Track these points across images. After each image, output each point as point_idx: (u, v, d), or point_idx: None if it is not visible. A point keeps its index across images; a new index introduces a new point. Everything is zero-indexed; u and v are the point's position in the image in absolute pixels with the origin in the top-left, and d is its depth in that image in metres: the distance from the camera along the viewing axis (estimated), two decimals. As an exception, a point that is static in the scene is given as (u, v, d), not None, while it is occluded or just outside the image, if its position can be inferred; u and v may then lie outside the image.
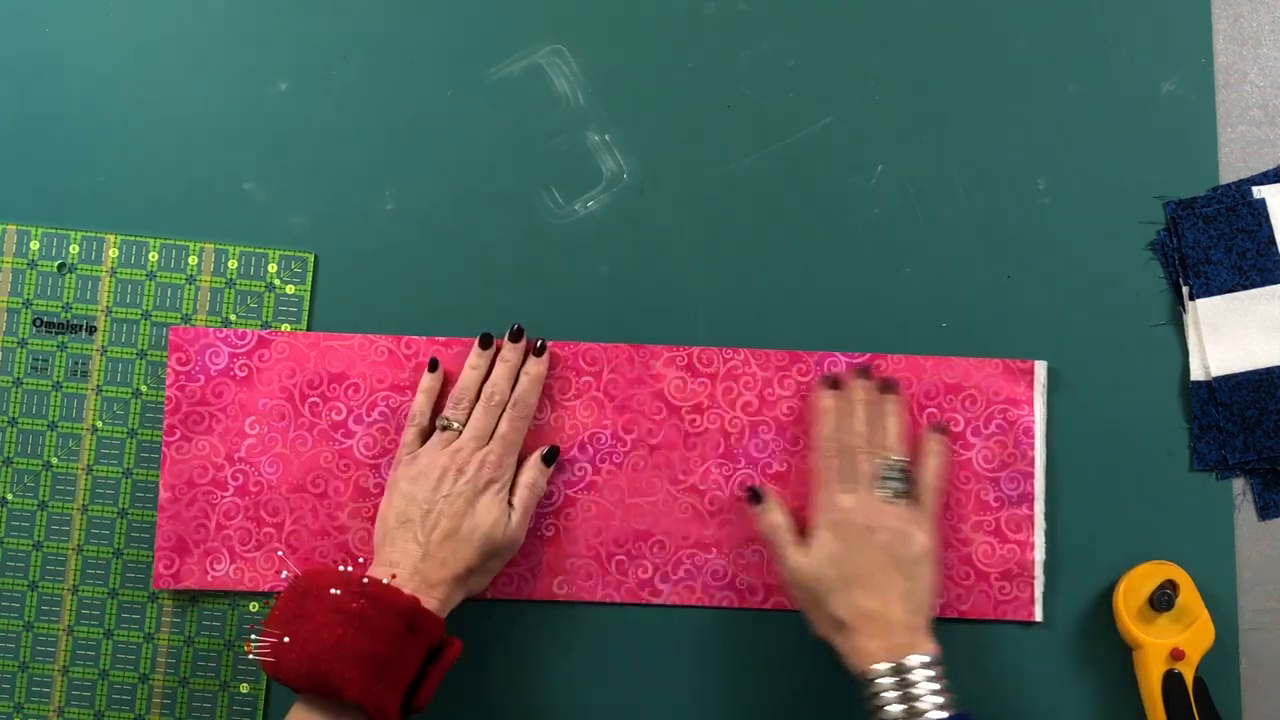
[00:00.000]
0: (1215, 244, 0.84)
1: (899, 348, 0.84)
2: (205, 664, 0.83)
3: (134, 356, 0.84)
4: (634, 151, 0.85)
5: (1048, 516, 0.83)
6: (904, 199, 0.85)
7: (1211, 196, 0.85)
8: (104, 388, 0.84)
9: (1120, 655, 0.82)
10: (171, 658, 0.83)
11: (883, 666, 0.73)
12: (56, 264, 0.84)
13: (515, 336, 0.82)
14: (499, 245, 0.85)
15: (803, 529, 0.80)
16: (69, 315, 0.84)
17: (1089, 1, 0.86)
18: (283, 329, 0.84)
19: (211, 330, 0.83)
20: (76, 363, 0.84)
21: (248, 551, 0.83)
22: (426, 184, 0.85)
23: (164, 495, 0.83)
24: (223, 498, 0.83)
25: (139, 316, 0.84)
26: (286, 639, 0.72)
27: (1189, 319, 0.84)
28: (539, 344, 0.82)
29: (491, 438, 0.80)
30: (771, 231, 0.85)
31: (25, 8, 0.86)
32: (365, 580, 0.73)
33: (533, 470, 0.81)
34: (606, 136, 0.85)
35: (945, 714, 0.72)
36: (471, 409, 0.81)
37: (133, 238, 0.84)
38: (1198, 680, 0.80)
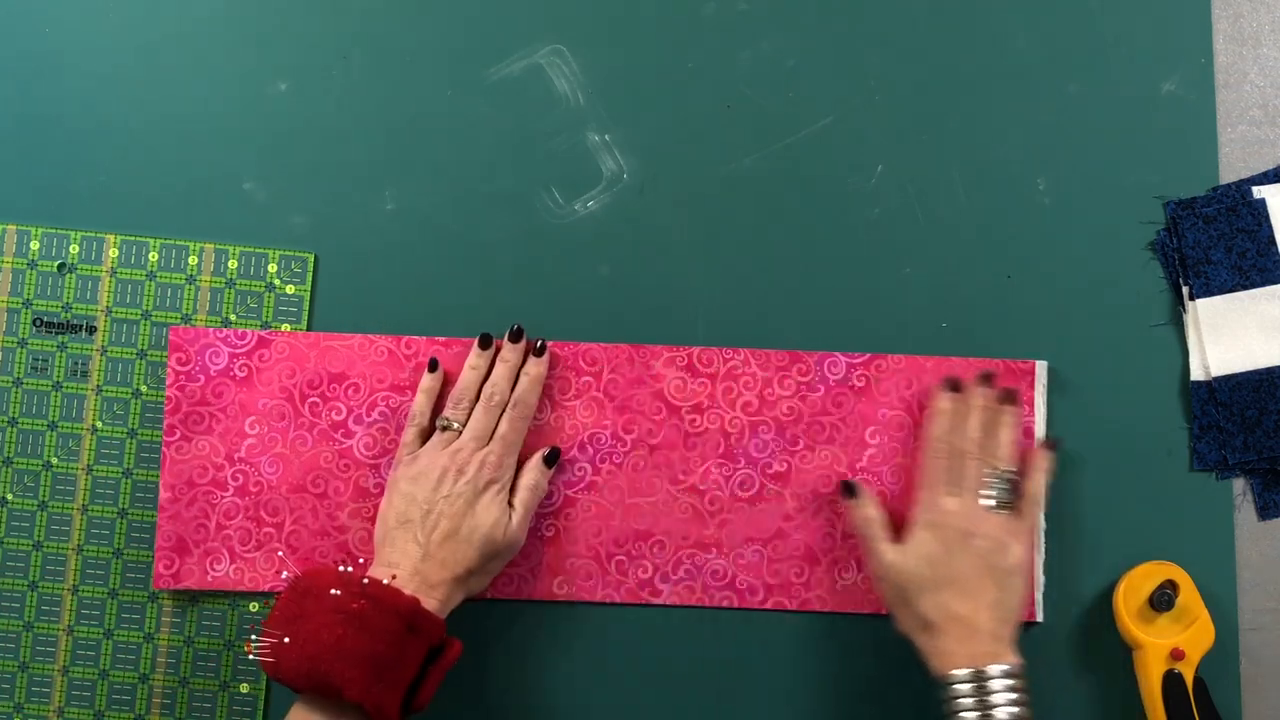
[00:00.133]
0: (1215, 244, 0.84)
1: (899, 348, 0.84)
2: (205, 664, 0.83)
3: (134, 356, 0.84)
4: (634, 151, 0.85)
5: (1048, 516, 0.83)
6: (904, 199, 0.85)
7: (1211, 196, 0.85)
8: (104, 388, 0.84)
9: (1120, 655, 0.82)
10: (171, 658, 0.83)
11: (963, 672, 0.74)
12: (56, 264, 0.84)
13: (515, 337, 0.82)
14: (499, 245, 0.85)
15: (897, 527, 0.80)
16: (69, 315, 0.84)
17: (1089, 1, 0.86)
18: (283, 329, 0.84)
19: (211, 330, 0.83)
20: (76, 363, 0.84)
21: (248, 551, 0.83)
22: (426, 184, 0.85)
23: (164, 495, 0.83)
24: (223, 498, 0.83)
25: (139, 316, 0.84)
26: (286, 639, 0.72)
27: (1189, 319, 0.84)
28: (539, 344, 0.82)
29: (491, 438, 0.80)
30: (771, 231, 0.85)
31: (25, 8, 0.86)
32: (365, 580, 0.73)
33: (534, 472, 0.81)
34: (606, 136, 0.85)
35: None
36: (471, 409, 0.81)
37: (133, 238, 0.84)
38: (1198, 680, 0.79)
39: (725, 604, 0.83)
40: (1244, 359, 0.83)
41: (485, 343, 0.82)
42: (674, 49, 0.86)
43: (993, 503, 0.78)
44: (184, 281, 0.84)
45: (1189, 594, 0.80)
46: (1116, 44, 0.86)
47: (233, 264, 0.84)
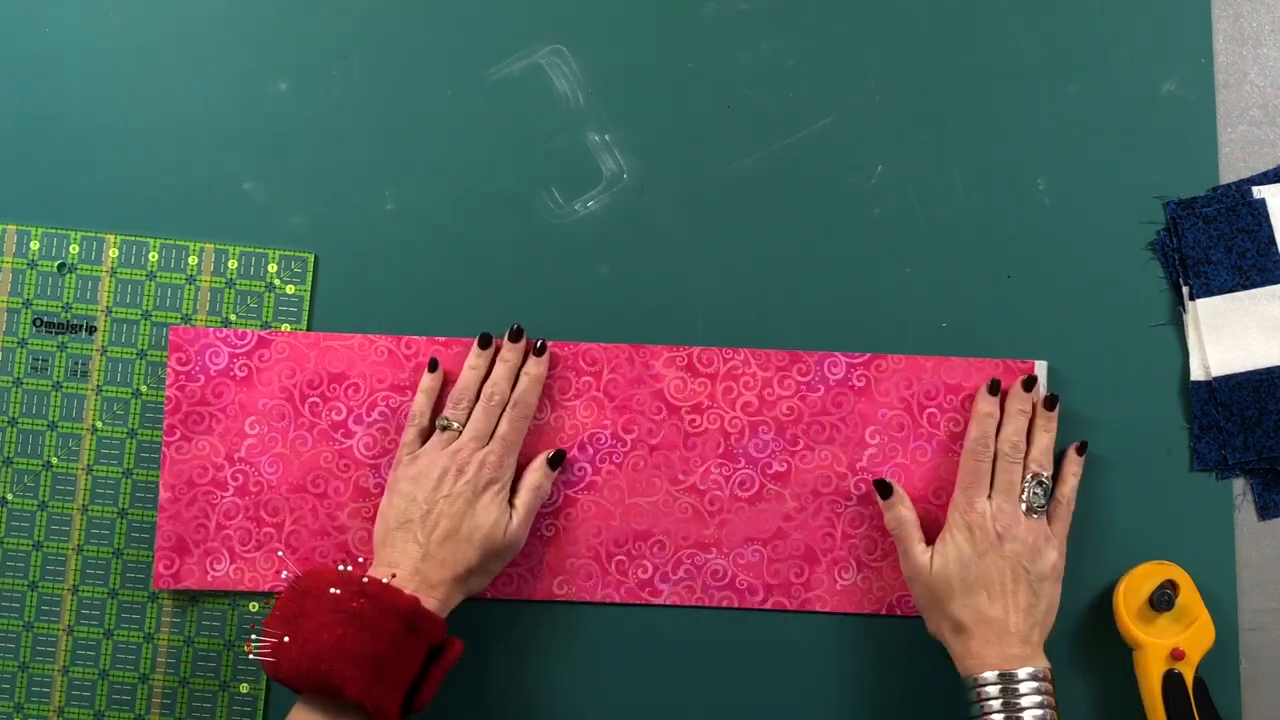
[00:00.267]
0: (1215, 244, 0.84)
1: (899, 348, 0.84)
2: (205, 664, 0.83)
3: (134, 356, 0.84)
4: (634, 151, 0.85)
5: (1048, 516, 0.83)
6: (904, 199, 0.85)
7: (1211, 196, 0.85)
8: (104, 388, 0.84)
9: (1120, 655, 0.82)
10: (171, 658, 0.83)
11: (991, 674, 0.75)
12: (56, 264, 0.84)
13: (515, 336, 0.82)
14: (499, 245, 0.85)
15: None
16: (69, 315, 0.84)
17: (1089, 1, 0.86)
18: (283, 329, 0.84)
19: (211, 330, 0.83)
20: (76, 363, 0.84)
21: (248, 551, 0.83)
22: (426, 184, 0.85)
23: (164, 495, 0.83)
24: (223, 498, 0.83)
25: (139, 316, 0.84)
26: (286, 638, 0.72)
27: (1189, 319, 0.84)
28: (539, 344, 0.82)
29: (491, 438, 0.80)
30: (771, 231, 0.85)
31: (25, 8, 0.86)
32: (365, 580, 0.73)
33: (538, 473, 0.81)
34: (606, 136, 0.85)
35: None
36: (471, 409, 0.81)
37: (133, 238, 0.84)
38: (1198, 680, 0.79)
39: (725, 604, 0.83)
40: (1244, 359, 0.83)
41: (485, 342, 0.82)
42: (674, 49, 0.86)
43: (1028, 507, 0.78)
44: (184, 281, 0.84)
45: (1189, 594, 0.80)
46: (1116, 44, 0.86)
47: (233, 264, 0.84)
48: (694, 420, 0.83)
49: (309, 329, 0.84)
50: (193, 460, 0.83)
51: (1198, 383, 0.84)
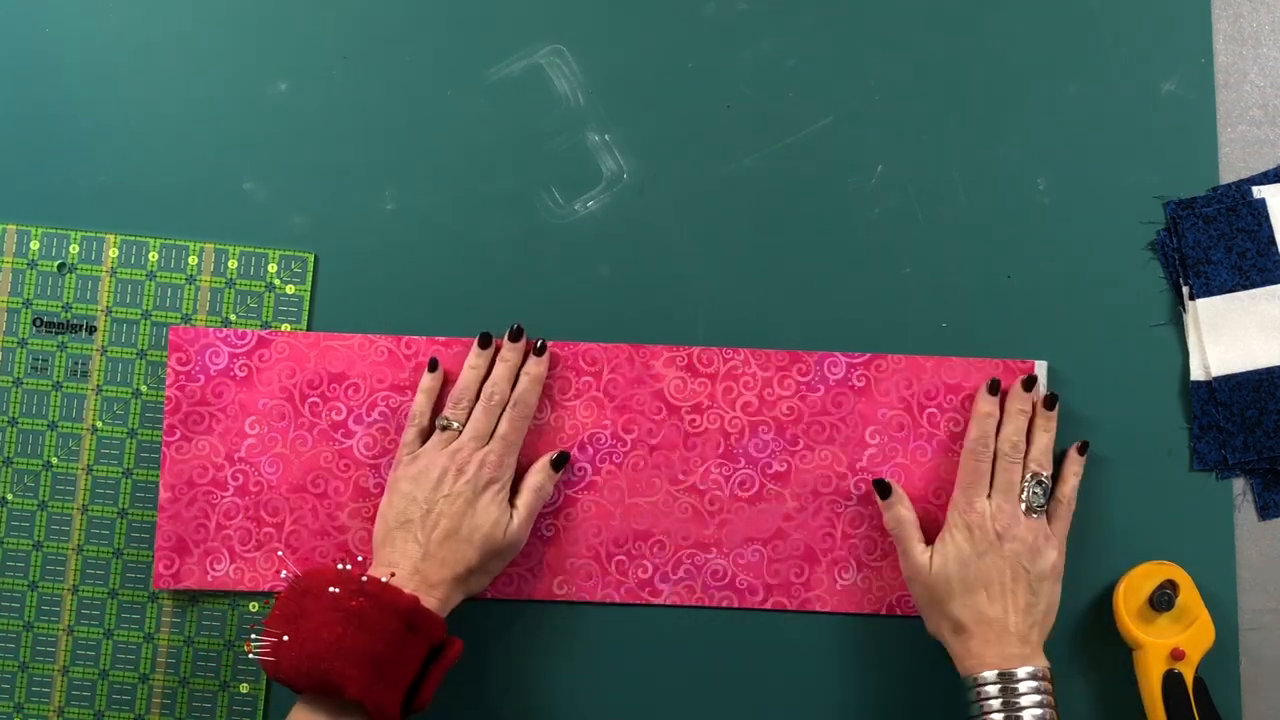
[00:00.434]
0: (1215, 244, 0.84)
1: (899, 348, 0.84)
2: (205, 664, 0.83)
3: (134, 356, 0.84)
4: (634, 151, 0.85)
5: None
6: (904, 199, 0.85)
7: (1211, 196, 0.85)
8: (104, 388, 0.84)
9: (1120, 655, 0.82)
10: (171, 658, 0.83)
11: (991, 674, 0.75)
12: (56, 264, 0.84)
13: (515, 336, 0.82)
14: (499, 245, 0.85)
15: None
16: (69, 315, 0.84)
17: (1089, 1, 0.86)
18: (283, 329, 0.84)
19: (211, 330, 0.83)
20: (76, 363, 0.84)
21: (248, 551, 0.83)
22: (426, 184, 0.85)
23: (164, 495, 0.83)
24: (223, 498, 0.83)
25: (139, 316, 0.84)
26: (285, 638, 0.72)
27: (1189, 319, 0.84)
28: (539, 344, 0.82)
29: (491, 437, 0.80)
30: (771, 231, 0.85)
31: (25, 7, 0.86)
32: (364, 579, 0.73)
33: (541, 474, 0.81)
34: (606, 136, 0.85)
35: None
36: (471, 409, 0.81)
37: (133, 238, 0.84)
38: (1198, 680, 0.79)
39: (725, 604, 0.83)
40: (1244, 359, 0.83)
41: (485, 342, 0.82)
42: (674, 49, 0.86)
43: (1028, 506, 0.78)
44: (184, 281, 0.84)
45: (1189, 594, 0.80)
46: (1116, 44, 0.86)
47: (233, 264, 0.84)
48: (694, 420, 0.83)
49: (309, 329, 0.84)
50: (193, 460, 0.83)
51: (1198, 383, 0.84)
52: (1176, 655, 0.79)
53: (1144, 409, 0.84)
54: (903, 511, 0.80)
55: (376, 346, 0.83)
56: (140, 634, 0.83)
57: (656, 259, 0.85)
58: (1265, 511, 0.83)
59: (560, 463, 0.82)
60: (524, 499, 0.80)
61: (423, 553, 0.77)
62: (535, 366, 0.82)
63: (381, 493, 0.82)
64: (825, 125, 0.85)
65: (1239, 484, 0.84)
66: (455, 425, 0.80)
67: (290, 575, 0.76)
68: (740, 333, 0.84)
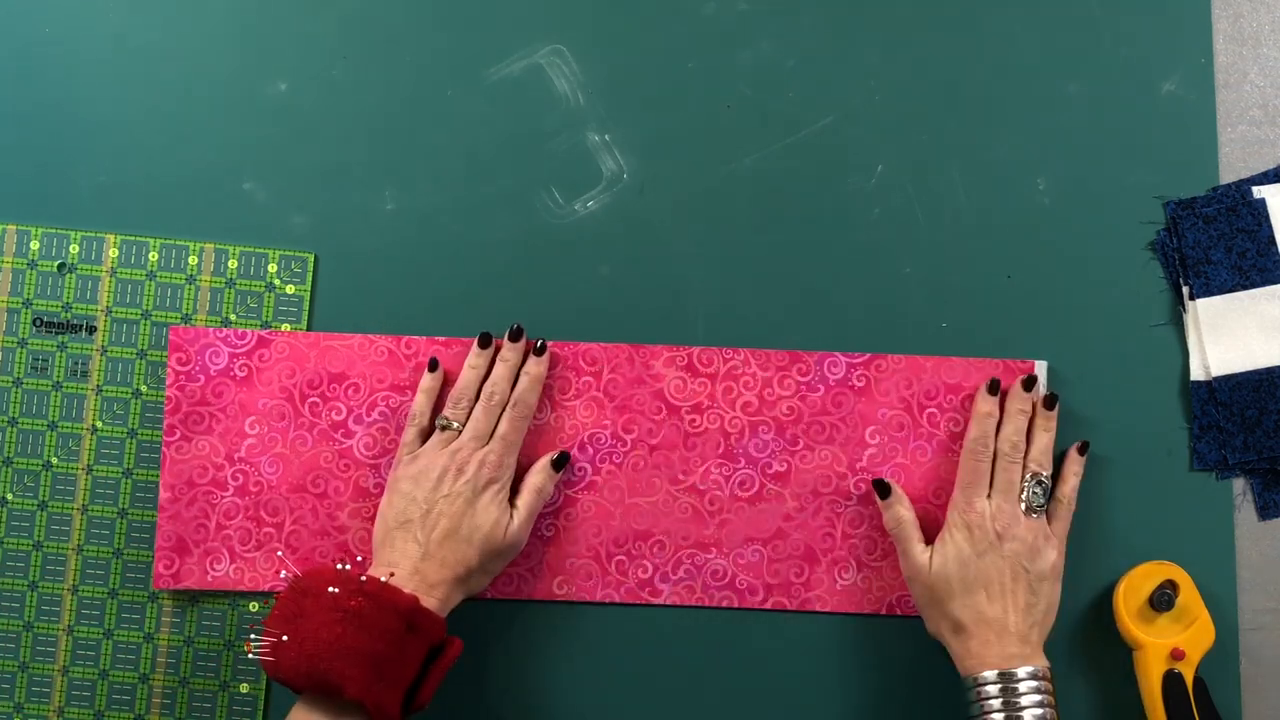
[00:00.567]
0: (1215, 244, 0.84)
1: (899, 348, 0.84)
2: (205, 664, 0.83)
3: (134, 356, 0.84)
4: (634, 151, 0.85)
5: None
6: (904, 199, 0.85)
7: (1211, 196, 0.85)
8: (104, 388, 0.84)
9: (1120, 655, 0.82)
10: (171, 658, 0.83)
11: (991, 674, 0.75)
12: (56, 264, 0.84)
13: (515, 336, 0.82)
14: (499, 245, 0.85)
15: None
16: (69, 315, 0.84)
17: (1089, 2, 0.86)
18: (283, 329, 0.84)
19: (211, 330, 0.83)
20: (76, 363, 0.84)
21: (248, 551, 0.83)
22: (426, 184, 0.85)
23: (164, 495, 0.83)
24: (223, 498, 0.83)
25: (139, 316, 0.84)
26: (285, 638, 0.72)
27: (1189, 319, 0.84)
28: (539, 344, 0.82)
29: (491, 437, 0.80)
30: (771, 231, 0.85)
31: (25, 7, 0.86)
32: (363, 579, 0.73)
33: (541, 475, 0.81)
34: (606, 136, 0.85)
35: None
36: (471, 409, 0.81)
37: (133, 238, 0.84)
38: (1198, 680, 0.79)
39: (725, 604, 0.83)
40: (1244, 359, 0.83)
41: (485, 342, 0.82)
42: (674, 49, 0.86)
43: (1027, 506, 0.78)
44: (184, 281, 0.84)
45: (1189, 594, 0.80)
46: (1116, 44, 0.86)
47: (233, 264, 0.84)
48: (694, 420, 0.83)
49: (309, 329, 0.84)
50: (193, 460, 0.83)
51: (1198, 383, 0.84)
52: (1176, 655, 0.79)
53: (1144, 409, 0.84)
54: (902, 511, 0.80)
55: (376, 346, 0.83)
56: (140, 634, 0.83)
57: (656, 259, 0.85)
58: (1265, 511, 0.83)
59: (560, 463, 0.82)
60: (524, 499, 0.80)
61: (422, 553, 0.77)
62: (535, 366, 0.82)
63: (381, 493, 0.82)
64: (825, 125, 0.85)
65: (1239, 484, 0.84)
66: (455, 425, 0.80)
67: (290, 575, 0.76)
68: (740, 333, 0.84)
